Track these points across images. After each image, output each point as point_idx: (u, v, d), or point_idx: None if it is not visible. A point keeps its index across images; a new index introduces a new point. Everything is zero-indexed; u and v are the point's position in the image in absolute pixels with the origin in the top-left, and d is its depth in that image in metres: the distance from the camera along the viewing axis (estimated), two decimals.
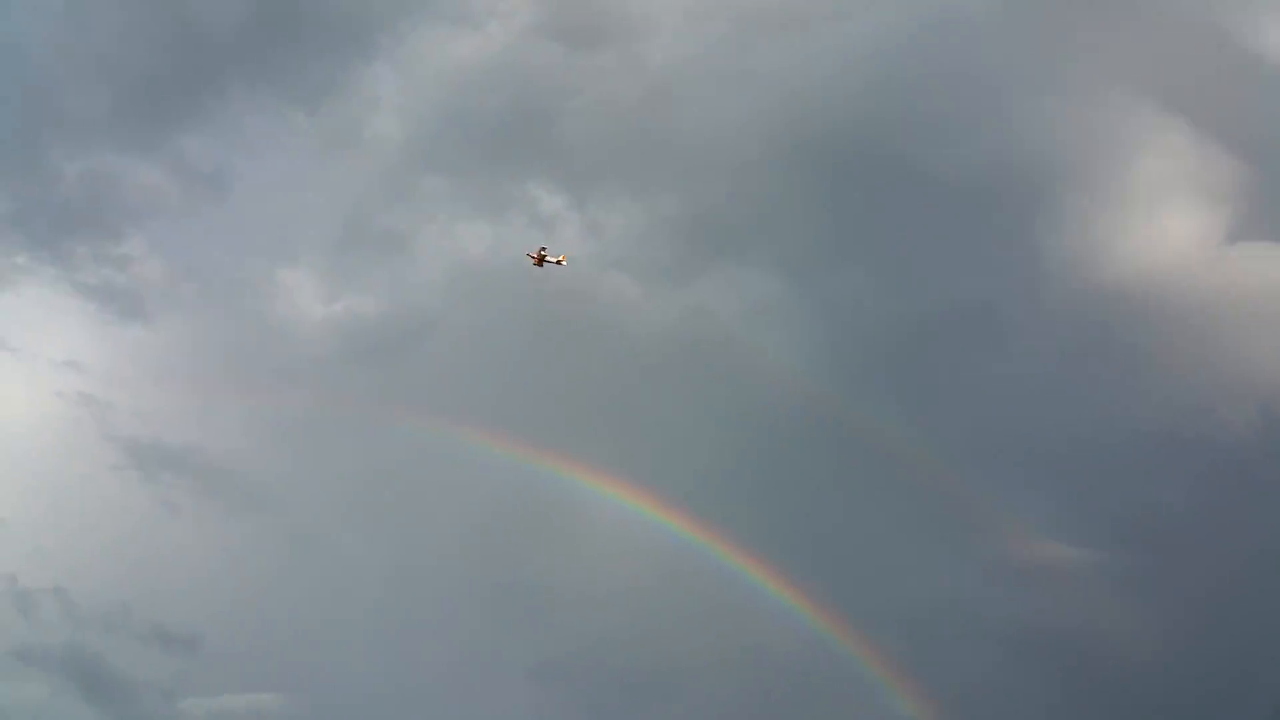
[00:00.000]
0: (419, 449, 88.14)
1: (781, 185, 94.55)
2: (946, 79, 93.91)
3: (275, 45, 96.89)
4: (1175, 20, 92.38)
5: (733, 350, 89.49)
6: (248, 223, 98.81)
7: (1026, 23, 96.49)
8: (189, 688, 75.06)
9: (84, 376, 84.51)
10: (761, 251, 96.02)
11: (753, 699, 73.91)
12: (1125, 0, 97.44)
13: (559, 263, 68.93)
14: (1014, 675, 73.00)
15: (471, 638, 78.17)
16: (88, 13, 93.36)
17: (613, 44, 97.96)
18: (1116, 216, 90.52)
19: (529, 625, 77.34)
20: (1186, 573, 73.69)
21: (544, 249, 68.24)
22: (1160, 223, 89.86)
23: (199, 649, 76.72)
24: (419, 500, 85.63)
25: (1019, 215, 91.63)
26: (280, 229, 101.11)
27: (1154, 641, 71.74)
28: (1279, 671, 67.12)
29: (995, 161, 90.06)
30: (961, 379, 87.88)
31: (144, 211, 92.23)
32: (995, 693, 71.65)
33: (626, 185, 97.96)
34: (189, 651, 76.59)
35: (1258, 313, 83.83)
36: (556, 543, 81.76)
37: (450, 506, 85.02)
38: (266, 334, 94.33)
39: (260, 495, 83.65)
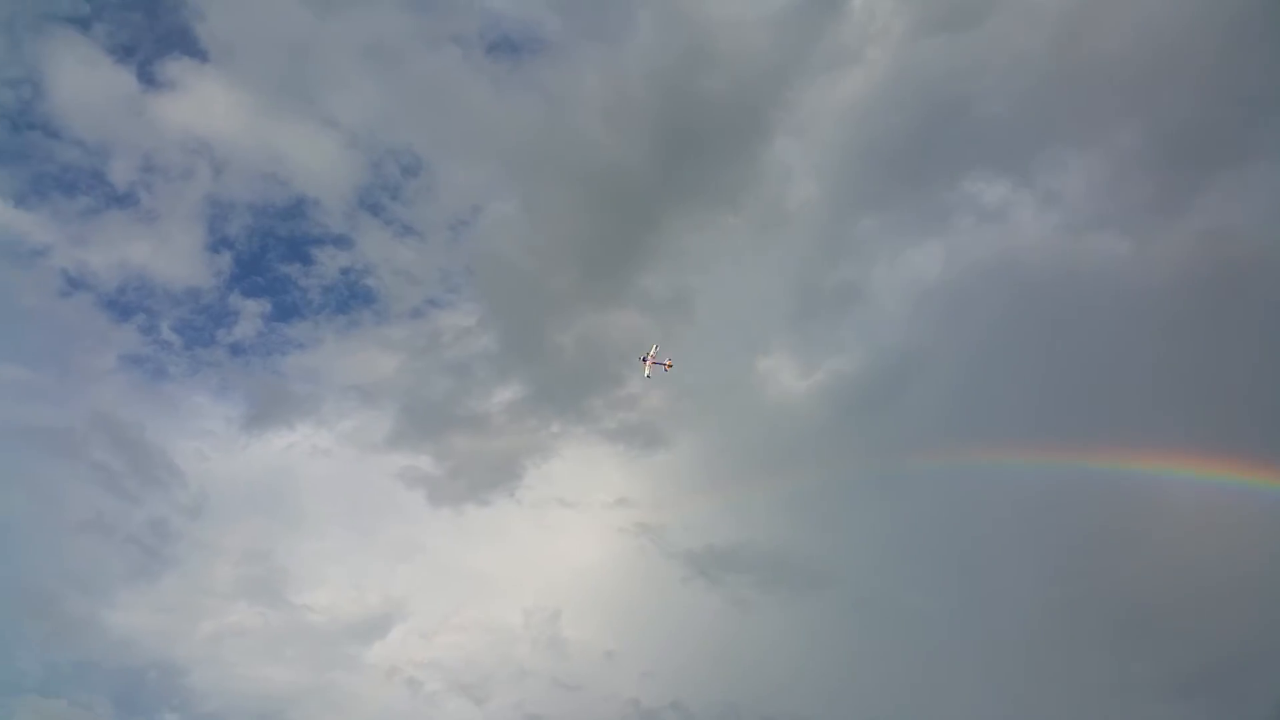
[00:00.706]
0: (944, 485, 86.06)
1: None
2: None
3: (684, 167, 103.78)
4: None
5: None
6: (719, 331, 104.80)
7: None
8: None
9: (633, 509, 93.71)
10: None
11: None
12: None
13: (667, 367, 72.46)
14: None
15: (1094, 661, 71.86)
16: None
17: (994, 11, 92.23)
18: None
19: (1157, 638, 69.51)
20: None
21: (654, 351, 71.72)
22: None
23: None
24: (977, 534, 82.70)
25: None
26: (745, 325, 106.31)
27: None
28: None
29: None
30: None
31: (634, 352, 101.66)
32: None
33: (1059, 146, 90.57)
34: None
35: None
36: (1152, 544, 73.20)
37: (1014, 530, 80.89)
38: (764, 422, 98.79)
39: (816, 571, 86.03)
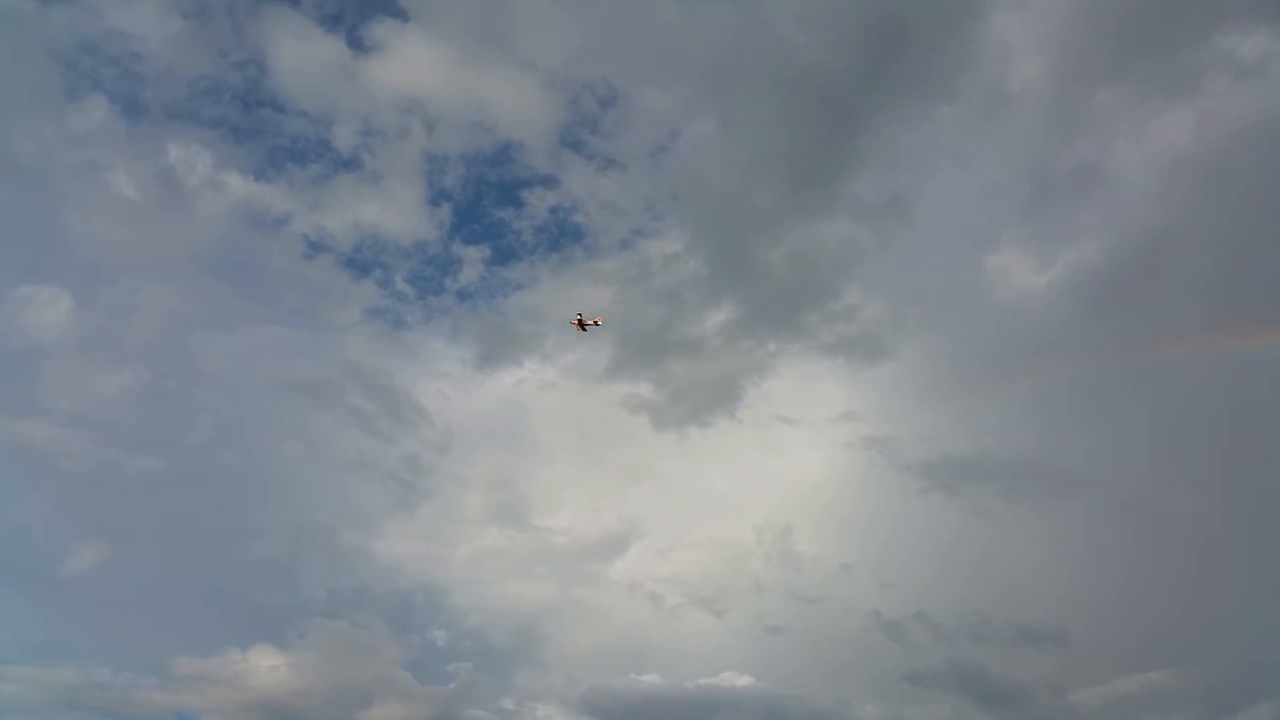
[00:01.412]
0: (1207, 375, 78.33)
1: None
2: None
3: (890, 60, 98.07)
4: None
5: None
6: (941, 232, 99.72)
7: None
8: (1075, 680, 74.16)
9: (859, 423, 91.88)
10: None
11: None
12: None
13: (597, 323, 77.02)
14: None
15: None
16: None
17: None
18: None
19: None
20: None
21: (581, 315, 76.74)
22: None
23: (1068, 641, 76.08)
24: (1249, 426, 74.83)
25: None
26: (970, 222, 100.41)
27: None
28: None
29: None
30: None
31: (848, 263, 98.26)
32: None
33: None
34: (1059, 645, 76.14)
35: None
36: None
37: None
38: (996, 324, 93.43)
39: (1063, 478, 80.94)
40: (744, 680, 78.84)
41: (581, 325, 78.50)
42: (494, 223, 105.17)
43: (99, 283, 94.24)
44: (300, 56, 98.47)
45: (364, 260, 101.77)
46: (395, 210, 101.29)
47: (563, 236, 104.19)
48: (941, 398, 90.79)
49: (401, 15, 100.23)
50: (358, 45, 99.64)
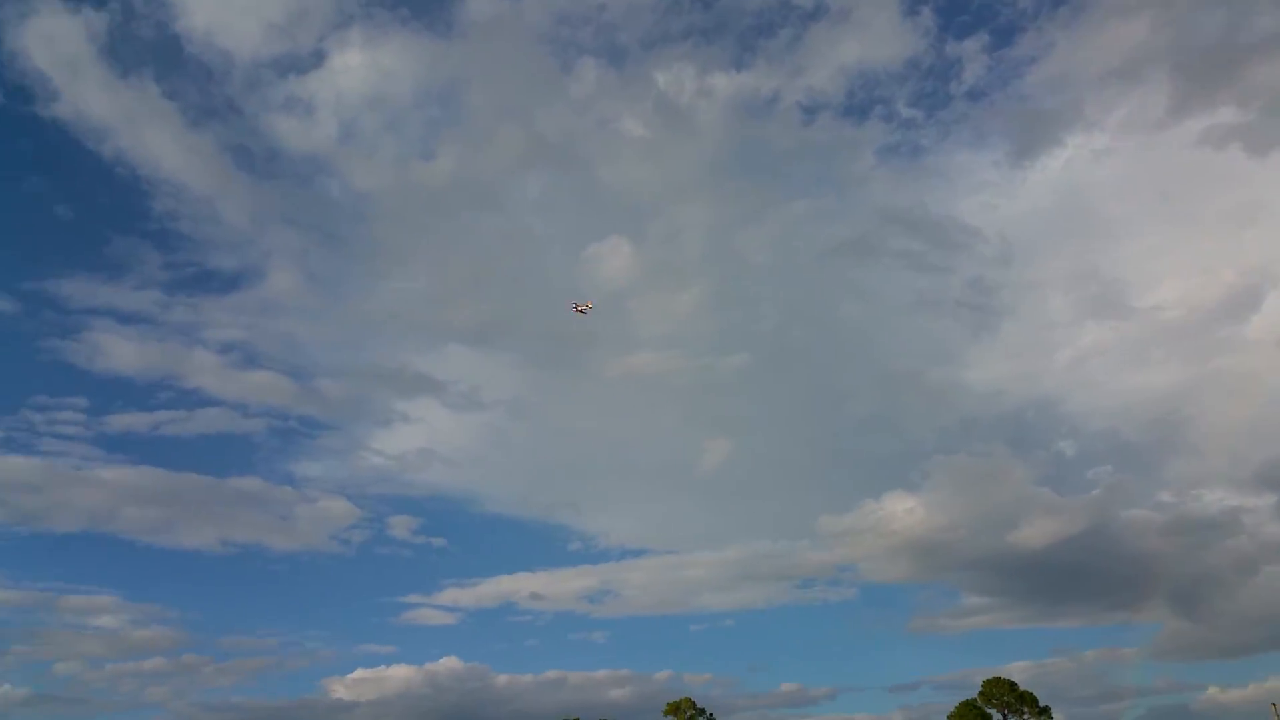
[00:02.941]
0: None
1: None
2: None
3: None
4: None
5: None
6: None
7: None
8: None
9: None
10: None
11: None
12: None
13: (588, 307, 76.10)
14: None
15: None
16: None
17: None
18: None
19: None
20: None
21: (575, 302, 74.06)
22: None
23: None
24: None
25: None
26: None
27: None
28: None
29: None
30: None
31: None
32: None
33: None
34: None
35: None
36: None
37: None
38: None
39: None
40: None
41: (578, 308, 77.75)
42: (983, 5, 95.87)
43: (642, 219, 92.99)
44: None
45: (860, 103, 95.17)
46: (874, 38, 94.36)
47: None
48: None
49: None
50: None
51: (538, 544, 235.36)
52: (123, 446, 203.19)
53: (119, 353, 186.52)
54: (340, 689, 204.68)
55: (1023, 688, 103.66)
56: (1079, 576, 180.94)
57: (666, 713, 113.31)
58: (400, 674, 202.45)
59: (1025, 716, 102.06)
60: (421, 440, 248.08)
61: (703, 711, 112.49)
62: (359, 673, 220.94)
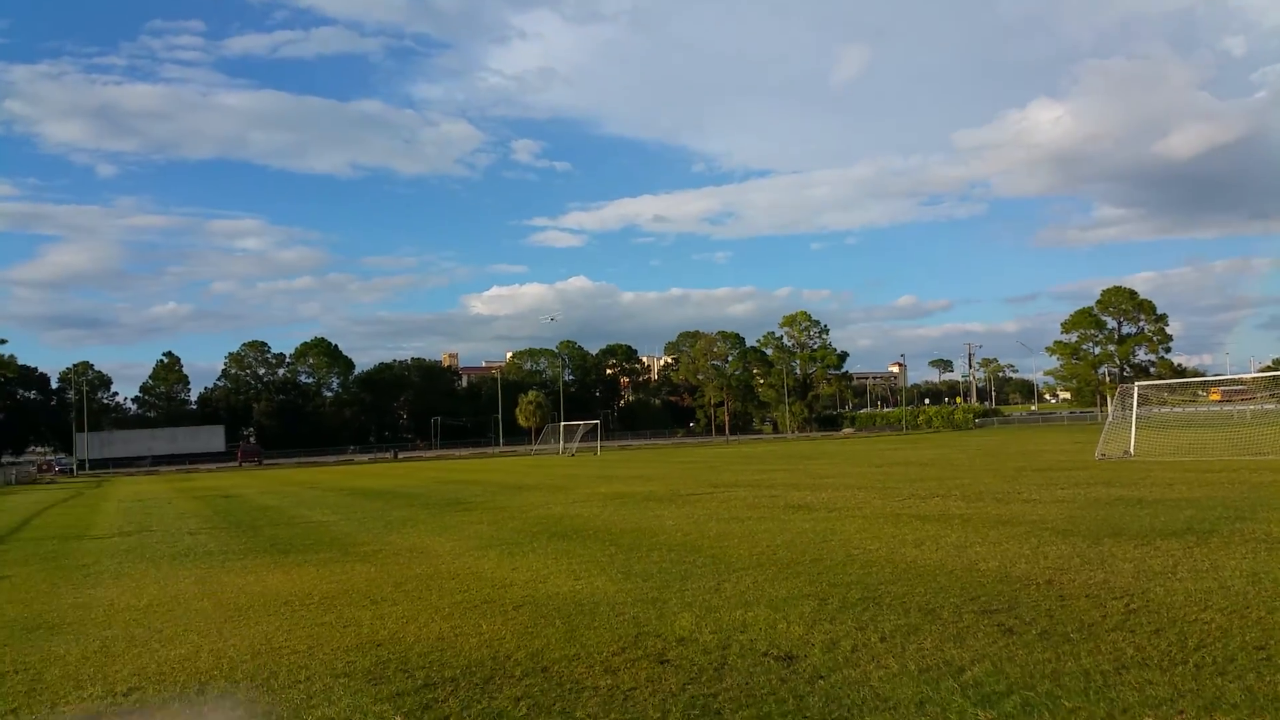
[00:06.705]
0: None
1: None
2: None
3: None
4: None
5: None
6: None
7: None
8: None
9: None
10: None
11: None
12: None
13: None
14: None
15: None
16: None
17: None
18: None
19: None
20: None
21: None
22: None
23: None
24: None
25: None
26: None
27: None
28: None
29: None
30: None
31: None
32: None
33: None
34: None
35: None
36: None
37: None
38: None
39: None
40: None
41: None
42: None
43: None
44: None
45: None
46: None
47: None
48: None
49: None
50: None
51: (660, 166, 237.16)
52: (244, 70, 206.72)
53: None
54: (478, 304, 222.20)
55: (1143, 297, 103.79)
56: (1224, 186, 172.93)
57: (782, 324, 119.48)
58: (533, 291, 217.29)
59: (1141, 323, 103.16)
60: (539, 59, 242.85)
61: (817, 323, 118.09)
62: (495, 290, 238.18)
